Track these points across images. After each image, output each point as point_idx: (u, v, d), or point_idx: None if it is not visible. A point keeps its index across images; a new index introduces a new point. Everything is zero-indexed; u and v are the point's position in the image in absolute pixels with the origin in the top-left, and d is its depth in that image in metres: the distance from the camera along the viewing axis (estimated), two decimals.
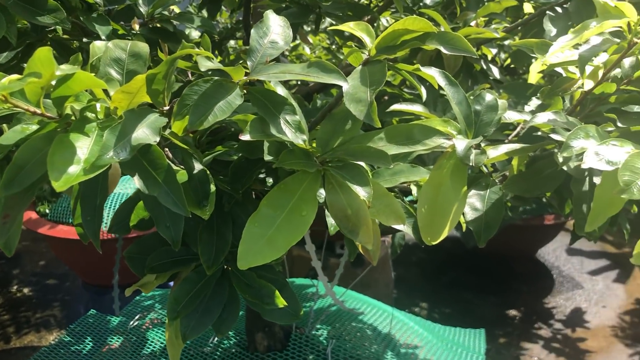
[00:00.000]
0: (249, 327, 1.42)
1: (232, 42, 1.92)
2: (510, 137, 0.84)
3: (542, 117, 0.61)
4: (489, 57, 1.27)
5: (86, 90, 0.61)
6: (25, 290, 3.15)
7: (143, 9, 0.94)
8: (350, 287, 1.77)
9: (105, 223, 2.46)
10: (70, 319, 2.82)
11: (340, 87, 0.61)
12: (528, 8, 1.41)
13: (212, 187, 0.65)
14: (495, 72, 1.12)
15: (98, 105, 0.61)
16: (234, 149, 0.70)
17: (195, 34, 1.57)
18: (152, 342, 1.57)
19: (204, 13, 1.51)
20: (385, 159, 0.61)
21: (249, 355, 1.36)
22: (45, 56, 0.51)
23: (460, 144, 0.63)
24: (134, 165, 0.57)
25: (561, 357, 2.70)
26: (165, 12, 0.93)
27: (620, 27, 0.61)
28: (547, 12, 1.07)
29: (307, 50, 1.67)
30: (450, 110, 1.06)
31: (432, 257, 3.71)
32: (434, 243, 0.67)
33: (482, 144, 0.67)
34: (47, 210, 2.60)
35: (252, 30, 0.65)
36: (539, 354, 2.74)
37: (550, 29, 1.01)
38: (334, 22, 1.15)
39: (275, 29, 0.66)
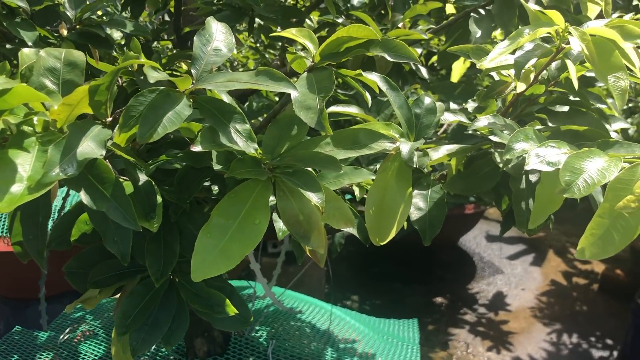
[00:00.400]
0: (188, 333, 1.40)
1: (155, 43, 1.87)
2: (439, 134, 0.88)
3: (483, 121, 0.64)
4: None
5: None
6: None
7: (70, 13, 0.90)
8: (284, 286, 1.77)
9: None
10: None
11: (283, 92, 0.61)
12: (450, 9, 1.47)
13: (159, 199, 0.64)
14: (424, 72, 1.16)
15: (35, 118, 0.58)
16: (178, 158, 0.69)
17: (116, 35, 1.52)
18: (85, 355, 1.51)
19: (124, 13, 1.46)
20: (335, 164, 0.62)
21: None
22: None
23: (405, 147, 0.65)
24: (80, 181, 0.55)
25: (486, 339, 2.83)
26: (94, 16, 0.89)
27: (550, 33, 0.65)
28: (472, 14, 1.11)
29: (234, 51, 1.65)
30: (384, 110, 1.09)
31: (361, 250, 3.79)
32: (382, 243, 0.68)
33: (424, 146, 0.70)
34: None
35: (195, 38, 0.64)
36: (466, 338, 2.86)
37: (475, 30, 1.06)
38: (262, 23, 1.14)
39: (218, 36, 0.65)
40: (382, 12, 1.36)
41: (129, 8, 1.53)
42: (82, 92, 0.57)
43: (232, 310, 0.73)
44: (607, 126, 0.69)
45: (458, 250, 3.99)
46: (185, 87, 0.59)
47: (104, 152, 0.55)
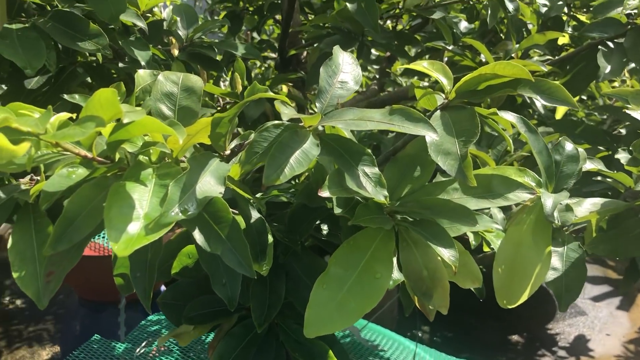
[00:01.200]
0: None
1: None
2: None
3: None
4: None
5: None
6: (18, 302, 3.05)
7: (182, 33, 0.88)
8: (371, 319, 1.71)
9: (103, 235, 2.39)
10: (64, 334, 2.73)
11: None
12: (563, 40, 1.37)
13: (270, 238, 0.59)
14: (539, 106, 1.07)
15: (151, 148, 0.54)
16: (290, 193, 0.64)
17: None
18: None
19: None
20: (470, 217, 0.55)
21: None
22: (109, 99, 0.45)
23: (548, 200, 0.57)
24: (196, 220, 0.50)
25: None
26: (204, 37, 0.87)
27: None
28: (600, 47, 1.02)
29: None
30: (496, 146, 1.01)
31: None
32: (510, 307, 0.61)
33: (570, 201, 0.62)
34: None
35: (321, 69, 0.59)
36: None
37: (604, 64, 0.96)
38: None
39: (345, 67, 0.60)
40: (493, 39, 1.28)
41: (227, 26, 1.53)
42: (204, 123, 0.53)
43: None
44: None
45: (539, 289, 3.77)
46: (313, 124, 0.53)
47: (223, 190, 0.51)
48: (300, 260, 0.66)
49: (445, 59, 1.25)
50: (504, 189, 0.59)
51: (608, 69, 0.96)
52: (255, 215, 0.60)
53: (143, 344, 1.61)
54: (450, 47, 1.11)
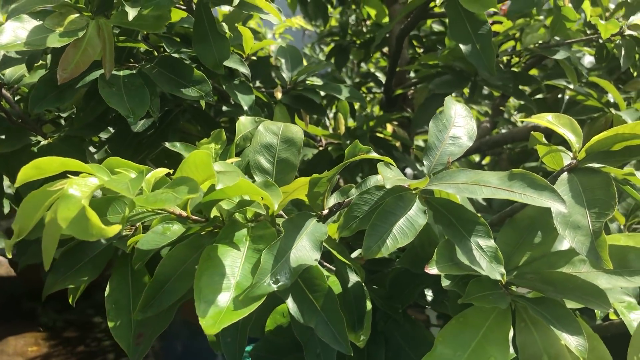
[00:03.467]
0: None
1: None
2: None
3: None
4: None
5: None
6: None
7: (286, 75, 0.87)
8: None
9: None
10: (166, 351, 2.81)
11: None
12: None
13: (369, 305, 0.54)
14: None
15: (247, 208, 0.52)
16: (392, 257, 0.59)
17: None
18: None
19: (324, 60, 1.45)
20: (600, 298, 0.47)
21: None
22: (203, 161, 0.43)
23: None
24: (290, 289, 0.47)
25: None
26: (310, 79, 0.84)
27: None
28: None
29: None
30: (625, 198, 0.90)
31: None
32: None
33: None
34: None
35: (431, 123, 0.54)
36: None
37: None
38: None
39: (458, 120, 0.55)
40: (622, 76, 1.16)
41: (333, 59, 1.51)
42: (302, 182, 0.50)
43: None
44: None
45: None
46: (421, 187, 0.48)
47: (318, 257, 0.47)
48: (402, 328, 0.60)
49: (567, 97, 1.15)
50: None
51: None
52: (353, 279, 0.55)
53: None
54: (572, 86, 1.01)
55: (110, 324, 0.59)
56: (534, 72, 1.25)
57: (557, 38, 0.90)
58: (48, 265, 0.42)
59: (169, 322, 0.53)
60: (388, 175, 0.46)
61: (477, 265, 0.45)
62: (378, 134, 1.02)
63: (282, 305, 0.65)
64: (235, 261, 0.46)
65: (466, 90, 0.95)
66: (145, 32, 0.78)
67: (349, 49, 1.49)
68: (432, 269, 0.45)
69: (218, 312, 0.41)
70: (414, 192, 0.49)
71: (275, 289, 0.43)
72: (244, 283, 0.44)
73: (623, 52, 0.85)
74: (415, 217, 0.46)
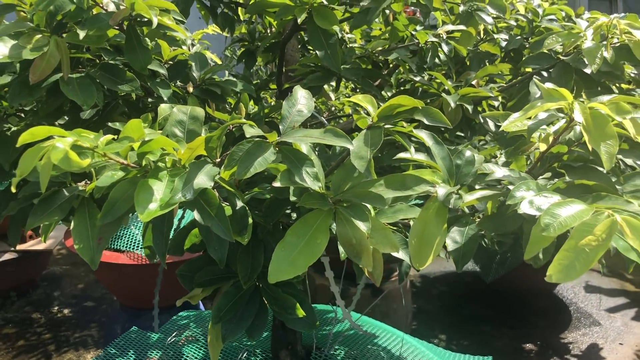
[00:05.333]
0: (275, 346, 1.60)
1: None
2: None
3: (500, 173, 0.80)
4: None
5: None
6: (66, 311, 3.36)
7: (196, 74, 1.16)
8: (371, 316, 1.93)
9: (142, 248, 2.69)
10: (107, 339, 3.02)
11: None
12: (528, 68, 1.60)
13: (250, 220, 0.85)
14: (491, 125, 1.30)
15: (167, 157, 0.81)
16: (266, 190, 0.90)
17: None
18: (187, 356, 1.76)
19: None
20: (381, 200, 0.80)
21: None
22: (137, 125, 0.72)
23: (441, 190, 0.82)
24: (194, 203, 0.77)
25: None
26: (215, 77, 1.14)
27: (563, 106, 0.79)
28: (534, 75, 1.25)
29: (332, 97, 1.88)
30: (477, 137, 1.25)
31: (453, 290, 3.84)
32: (421, 268, 0.85)
33: (462, 191, 0.86)
34: None
35: (284, 102, 0.85)
36: None
37: (535, 91, 1.20)
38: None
39: (301, 100, 0.87)
40: (460, 69, 1.53)
41: (244, 60, 1.81)
42: (200, 140, 0.80)
43: (301, 313, 0.92)
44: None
45: (554, 299, 3.91)
46: (273, 139, 0.80)
47: (212, 184, 0.77)
48: (276, 237, 0.92)
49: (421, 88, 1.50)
50: (413, 184, 0.84)
51: (537, 94, 1.19)
52: (239, 204, 0.86)
53: (173, 334, 1.88)
54: (417, 78, 1.36)
55: (76, 246, 0.87)
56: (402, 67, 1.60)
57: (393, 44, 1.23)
58: (44, 187, 0.70)
59: (116, 231, 0.81)
60: (249, 131, 0.77)
61: (303, 181, 0.76)
62: (273, 118, 1.34)
63: (194, 230, 0.95)
64: (159, 187, 0.75)
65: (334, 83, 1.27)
66: (86, 46, 1.06)
67: (256, 53, 1.79)
68: (277, 183, 0.77)
69: (149, 212, 0.71)
70: (269, 142, 0.80)
71: (184, 200, 0.73)
72: (165, 199, 0.74)
73: (430, 53, 1.20)
74: (268, 156, 0.77)
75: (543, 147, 0.84)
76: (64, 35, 0.94)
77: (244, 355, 1.63)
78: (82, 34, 0.89)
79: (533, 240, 0.66)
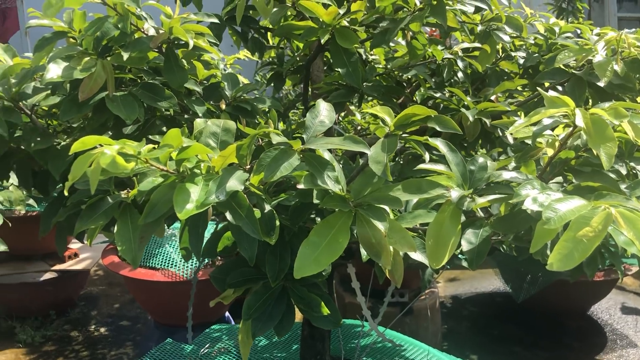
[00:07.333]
0: (304, 356, 1.65)
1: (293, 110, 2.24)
2: None
3: (507, 175, 0.85)
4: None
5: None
6: (102, 329, 3.46)
7: (228, 93, 1.25)
8: (400, 331, 1.97)
9: (176, 265, 2.78)
10: (141, 356, 3.10)
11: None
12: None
13: (277, 222, 0.92)
14: (510, 138, 1.35)
15: (202, 164, 0.90)
16: (292, 196, 0.97)
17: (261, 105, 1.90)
18: None
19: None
20: (398, 203, 0.86)
21: None
22: (176, 134, 0.81)
23: (455, 193, 0.88)
24: (227, 205, 0.85)
25: None
26: (245, 95, 1.23)
27: (566, 112, 0.85)
28: (550, 90, 1.31)
29: (358, 116, 1.96)
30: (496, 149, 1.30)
31: (484, 310, 3.83)
32: (437, 267, 0.90)
33: (475, 195, 0.91)
34: None
35: (307, 113, 0.93)
36: None
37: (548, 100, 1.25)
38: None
39: (323, 112, 0.94)
40: (480, 86, 1.59)
41: (272, 83, 1.91)
42: (232, 148, 0.88)
43: (326, 311, 0.98)
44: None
45: (588, 320, 3.85)
46: (298, 147, 0.87)
47: (242, 188, 0.85)
48: (300, 239, 0.98)
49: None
50: (429, 188, 0.90)
51: None
52: (267, 208, 0.93)
53: (207, 346, 1.95)
54: (438, 95, 1.43)
55: (119, 248, 0.95)
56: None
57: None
58: (94, 189, 0.78)
59: (156, 230, 0.89)
60: (277, 139, 0.85)
61: (325, 184, 0.83)
62: (300, 135, 1.42)
63: (226, 233, 1.02)
64: (195, 190, 0.83)
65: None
66: (129, 67, 1.16)
67: (284, 75, 1.87)
68: (300, 185, 0.84)
69: (187, 210, 0.79)
70: (295, 149, 0.87)
71: (217, 201, 0.81)
72: (200, 200, 0.82)
73: (446, 69, 1.27)
74: (292, 162, 0.84)
75: (550, 151, 0.89)
76: (109, 57, 1.04)
77: None
78: (125, 56, 0.99)
79: (537, 234, 0.71)
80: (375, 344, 1.87)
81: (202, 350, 1.92)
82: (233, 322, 2.92)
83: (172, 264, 2.79)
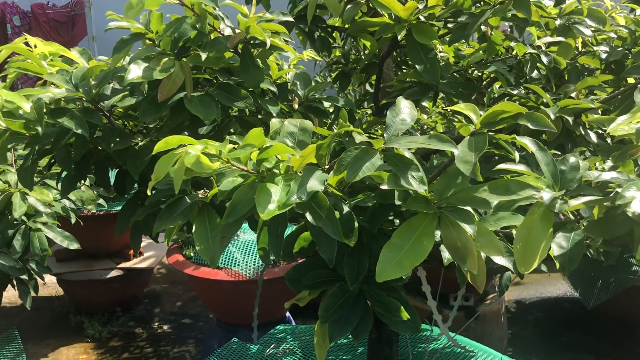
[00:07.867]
0: (370, 359, 1.62)
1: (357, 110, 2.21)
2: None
3: (607, 175, 0.80)
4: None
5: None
6: (165, 327, 3.54)
7: (300, 92, 1.24)
8: (465, 336, 1.92)
9: (239, 264, 2.80)
10: (203, 354, 3.14)
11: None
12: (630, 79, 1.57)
13: (356, 224, 0.90)
14: (593, 137, 1.29)
15: (281, 164, 0.88)
16: (370, 197, 0.95)
17: (326, 104, 1.88)
18: None
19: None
20: (486, 204, 0.82)
21: None
22: (258, 134, 0.79)
23: (547, 195, 0.83)
24: (307, 206, 0.83)
25: None
26: (317, 94, 1.21)
27: None
28: (639, 85, 1.23)
29: (424, 116, 1.92)
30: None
31: (550, 316, 3.69)
32: (526, 272, 0.86)
33: (567, 196, 0.86)
34: (192, 254, 3.01)
35: (388, 112, 0.90)
36: None
37: (638, 100, 1.18)
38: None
39: (405, 110, 0.91)
40: (558, 82, 1.52)
41: (338, 82, 1.89)
42: (311, 148, 0.86)
43: (405, 315, 0.95)
44: None
45: None
46: (379, 146, 0.85)
47: (322, 188, 0.83)
48: (380, 242, 0.95)
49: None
50: (517, 189, 0.86)
51: None
52: (346, 209, 0.91)
53: (272, 346, 1.95)
54: (515, 92, 1.37)
55: (198, 248, 0.95)
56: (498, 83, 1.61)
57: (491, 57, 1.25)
58: (178, 188, 0.78)
59: (237, 230, 0.88)
60: (358, 137, 0.82)
61: (409, 185, 0.80)
62: (370, 134, 1.39)
63: (303, 234, 1.00)
64: (276, 190, 0.82)
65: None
66: (204, 67, 1.16)
67: (350, 74, 1.85)
68: (384, 186, 0.81)
69: (269, 211, 0.77)
70: (376, 148, 0.85)
71: (298, 201, 0.79)
72: (282, 200, 0.80)
73: (529, 65, 1.21)
74: (375, 161, 0.82)
75: None
76: (186, 58, 1.04)
77: None
78: (204, 56, 0.99)
79: None
80: (444, 349, 1.82)
81: (267, 350, 1.92)
82: (294, 323, 2.92)
83: (234, 263, 2.81)
